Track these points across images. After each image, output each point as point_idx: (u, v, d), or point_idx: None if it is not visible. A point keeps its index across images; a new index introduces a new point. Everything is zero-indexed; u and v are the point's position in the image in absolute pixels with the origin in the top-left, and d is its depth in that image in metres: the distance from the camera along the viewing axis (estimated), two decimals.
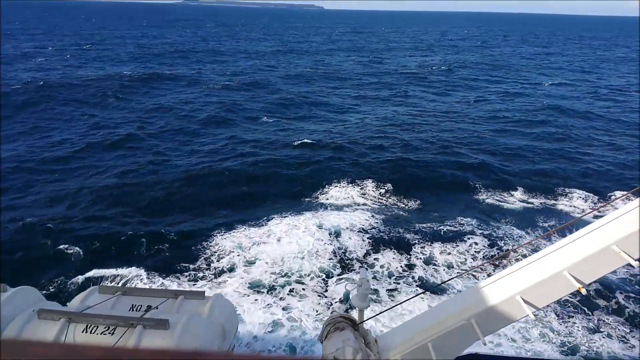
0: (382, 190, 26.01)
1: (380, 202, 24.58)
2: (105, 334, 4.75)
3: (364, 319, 6.30)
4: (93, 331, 4.73)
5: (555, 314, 15.39)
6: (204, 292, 6.00)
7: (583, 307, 15.78)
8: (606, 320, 15.49)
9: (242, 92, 51.76)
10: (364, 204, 24.15)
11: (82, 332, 4.72)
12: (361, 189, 25.93)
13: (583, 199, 25.48)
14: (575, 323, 15.18)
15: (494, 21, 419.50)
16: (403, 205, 24.13)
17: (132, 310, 5.43)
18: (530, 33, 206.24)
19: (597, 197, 25.60)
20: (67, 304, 5.67)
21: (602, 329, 15.08)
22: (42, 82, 50.12)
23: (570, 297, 15.72)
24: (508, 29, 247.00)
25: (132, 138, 33.37)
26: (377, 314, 7.62)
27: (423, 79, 65.48)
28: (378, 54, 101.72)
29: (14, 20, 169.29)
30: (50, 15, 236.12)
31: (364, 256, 18.60)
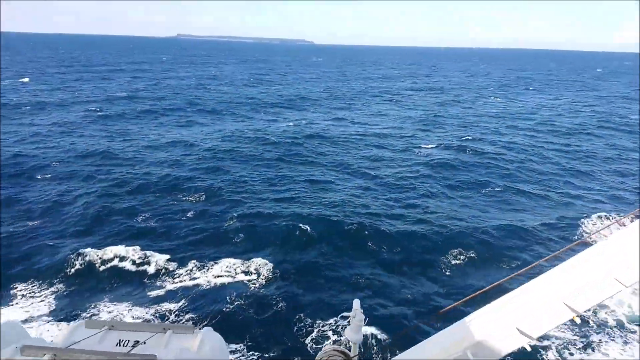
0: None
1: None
2: None
3: (358, 353, 6.16)
4: None
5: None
6: (193, 326, 5.84)
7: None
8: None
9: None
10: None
11: None
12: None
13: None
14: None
15: (489, 57, 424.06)
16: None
17: (120, 345, 5.26)
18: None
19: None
20: (53, 339, 5.47)
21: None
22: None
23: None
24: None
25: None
26: (372, 347, 7.46)
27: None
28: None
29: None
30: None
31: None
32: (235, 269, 20.07)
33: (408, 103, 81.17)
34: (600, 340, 15.55)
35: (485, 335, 5.26)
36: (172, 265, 20.49)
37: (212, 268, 20.30)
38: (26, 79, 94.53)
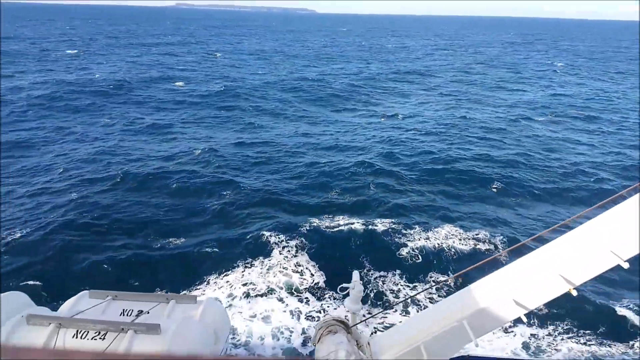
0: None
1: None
2: (95, 339, 4.73)
3: (357, 322, 6.30)
4: (83, 336, 4.71)
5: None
6: (195, 296, 5.98)
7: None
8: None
9: None
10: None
11: (73, 337, 4.70)
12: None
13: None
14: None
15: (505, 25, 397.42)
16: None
17: (123, 315, 5.42)
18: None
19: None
20: (57, 309, 5.62)
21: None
22: None
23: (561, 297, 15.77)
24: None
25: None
26: (370, 317, 7.61)
27: None
28: None
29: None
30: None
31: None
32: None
33: (487, 79, 72.38)
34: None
35: (482, 306, 5.35)
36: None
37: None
38: (74, 51, 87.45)
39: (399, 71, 78.13)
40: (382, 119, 44.20)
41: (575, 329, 15.00)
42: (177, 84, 58.20)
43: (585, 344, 14.46)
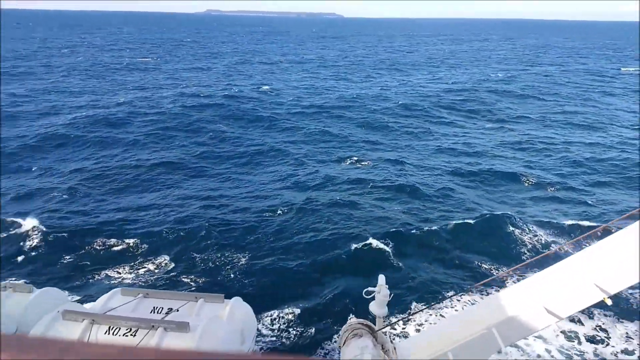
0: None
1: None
2: (127, 336, 4.88)
3: (383, 326, 6.25)
4: (115, 332, 4.86)
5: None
6: (223, 295, 6.08)
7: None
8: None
9: None
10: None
11: (105, 333, 4.85)
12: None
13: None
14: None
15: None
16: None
17: (154, 312, 5.56)
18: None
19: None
20: (91, 305, 5.83)
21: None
22: None
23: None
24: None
25: None
26: (396, 321, 7.52)
27: None
28: None
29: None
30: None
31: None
32: None
33: (575, 83, 67.85)
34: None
35: (512, 314, 5.21)
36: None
37: None
38: (147, 59, 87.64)
39: (481, 79, 72.92)
40: (504, 126, 42.85)
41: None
42: (273, 93, 56.32)
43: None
